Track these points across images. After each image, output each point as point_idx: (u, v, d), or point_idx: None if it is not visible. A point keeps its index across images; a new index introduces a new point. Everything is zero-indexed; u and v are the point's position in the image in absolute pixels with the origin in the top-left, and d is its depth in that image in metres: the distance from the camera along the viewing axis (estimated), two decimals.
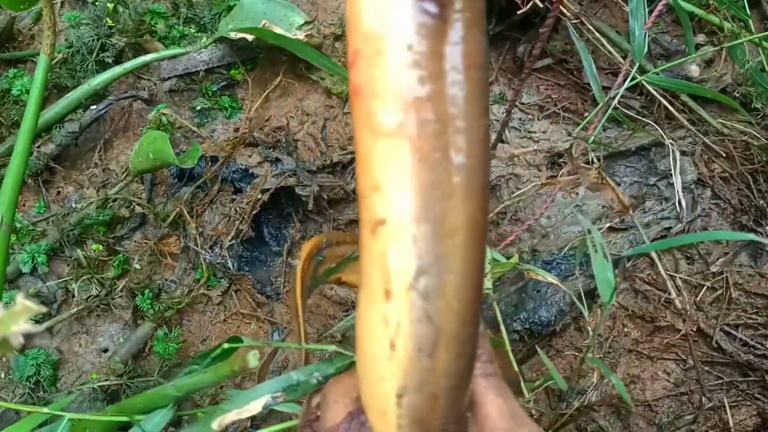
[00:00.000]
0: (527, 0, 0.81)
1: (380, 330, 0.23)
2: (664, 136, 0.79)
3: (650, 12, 0.70)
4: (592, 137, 0.70)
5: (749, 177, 0.87)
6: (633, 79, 0.71)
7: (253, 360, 0.35)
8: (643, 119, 0.89)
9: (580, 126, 0.84)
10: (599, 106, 0.65)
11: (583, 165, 0.49)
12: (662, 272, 0.69)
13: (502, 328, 0.53)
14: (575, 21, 0.87)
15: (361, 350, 0.25)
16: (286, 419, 0.83)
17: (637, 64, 0.68)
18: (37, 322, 0.86)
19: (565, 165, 0.84)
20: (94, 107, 0.93)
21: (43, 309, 0.25)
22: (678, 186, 0.77)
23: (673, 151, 0.76)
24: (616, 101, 0.68)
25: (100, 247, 0.87)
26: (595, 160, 0.47)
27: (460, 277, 0.23)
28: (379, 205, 0.22)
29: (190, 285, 0.88)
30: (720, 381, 0.81)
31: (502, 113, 0.91)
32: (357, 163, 0.24)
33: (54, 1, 1.01)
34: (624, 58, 0.87)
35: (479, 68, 0.23)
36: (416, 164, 0.22)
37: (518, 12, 0.82)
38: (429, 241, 0.22)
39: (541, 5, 0.81)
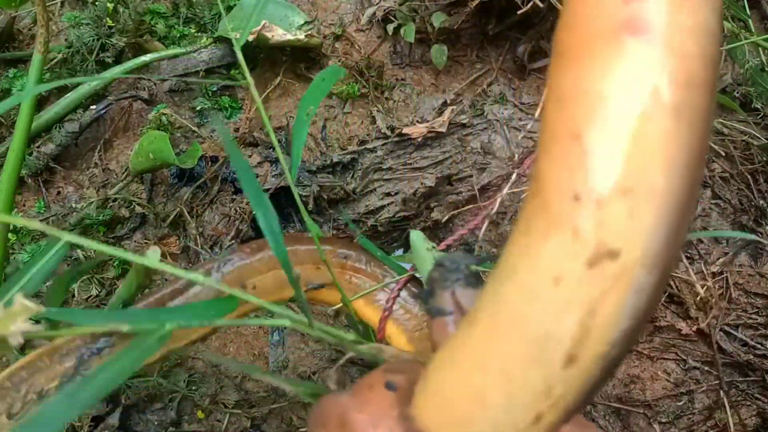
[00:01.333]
0: (527, 0, 0.81)
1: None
2: None
3: None
4: None
5: (749, 177, 0.87)
6: None
7: (154, 257, 0.31)
8: None
9: None
10: None
11: None
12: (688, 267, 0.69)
13: None
14: None
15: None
16: (287, 421, 0.83)
17: None
18: (36, 322, 0.86)
19: None
20: (94, 107, 0.93)
21: (43, 309, 0.25)
22: None
23: None
24: None
25: None
26: None
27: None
28: (619, 225, 0.17)
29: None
30: (720, 381, 0.81)
31: (502, 113, 0.91)
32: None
33: (54, 1, 1.01)
34: None
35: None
36: (686, 168, 0.17)
37: (518, 12, 0.82)
38: (650, 294, 0.17)
39: (541, 5, 0.81)
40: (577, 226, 0.16)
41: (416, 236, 0.39)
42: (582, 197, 0.16)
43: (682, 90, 0.16)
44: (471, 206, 0.88)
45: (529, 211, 0.18)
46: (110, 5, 0.94)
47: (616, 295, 0.16)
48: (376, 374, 0.23)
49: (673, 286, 0.84)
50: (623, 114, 0.16)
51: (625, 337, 0.17)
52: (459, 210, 0.88)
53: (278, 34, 0.89)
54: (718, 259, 0.86)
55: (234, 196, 0.90)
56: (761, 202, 0.86)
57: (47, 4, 0.99)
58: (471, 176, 0.87)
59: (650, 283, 0.17)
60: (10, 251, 0.88)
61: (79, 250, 0.86)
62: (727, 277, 0.84)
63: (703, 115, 0.16)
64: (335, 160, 0.88)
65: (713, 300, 0.81)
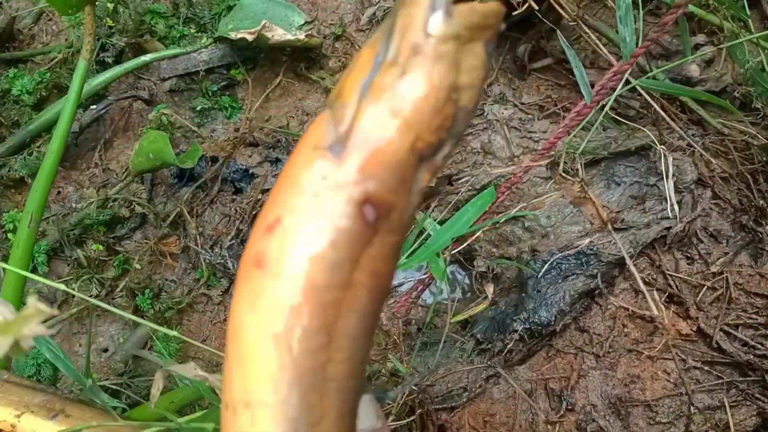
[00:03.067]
0: (525, 0, 0.81)
1: None
2: (655, 141, 0.79)
3: (648, 13, 0.70)
4: (583, 144, 0.70)
5: (749, 177, 0.87)
6: (628, 83, 0.71)
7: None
8: (640, 122, 0.89)
9: (573, 132, 0.84)
10: (592, 112, 0.65)
11: (567, 177, 0.49)
12: (640, 285, 0.70)
13: None
14: (572, 23, 0.87)
15: None
16: None
17: (629, 69, 0.68)
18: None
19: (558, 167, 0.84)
20: (94, 107, 0.93)
21: (56, 312, 0.25)
22: (670, 191, 0.77)
23: (664, 156, 0.76)
24: (608, 107, 0.67)
25: (100, 247, 0.87)
26: (580, 172, 0.47)
27: None
28: (247, 428, 0.21)
29: (190, 285, 0.88)
30: (720, 381, 0.81)
31: (502, 113, 0.91)
32: (229, 356, 0.21)
33: None
34: (618, 59, 0.86)
35: (383, 288, 0.22)
36: (293, 382, 0.20)
37: (516, 12, 0.82)
38: None
39: (537, 7, 0.81)
40: (227, 430, 0.21)
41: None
42: (228, 406, 0.21)
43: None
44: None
45: None
46: (110, 5, 0.94)
47: None
48: None
49: (673, 286, 0.84)
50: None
51: None
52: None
53: (278, 34, 0.89)
54: (718, 259, 0.86)
55: (234, 196, 0.90)
56: (761, 202, 0.86)
57: (48, 4, 0.99)
58: (471, 176, 0.87)
59: None
60: (10, 251, 0.88)
61: (79, 251, 0.87)
62: (727, 277, 0.84)
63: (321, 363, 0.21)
64: None
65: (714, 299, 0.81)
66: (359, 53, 0.21)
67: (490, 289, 0.59)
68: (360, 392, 0.23)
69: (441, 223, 0.87)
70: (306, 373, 0.20)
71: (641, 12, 0.71)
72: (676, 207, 0.82)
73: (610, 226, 0.48)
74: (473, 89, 0.21)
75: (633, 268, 0.58)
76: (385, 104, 0.20)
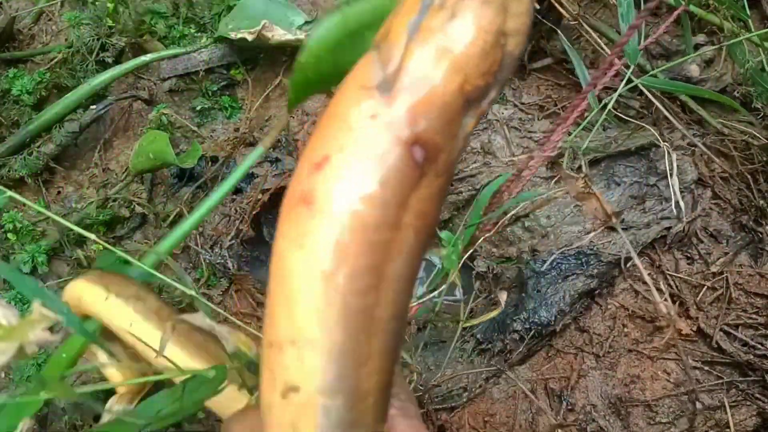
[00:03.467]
0: None
1: None
2: (659, 139, 0.79)
3: (649, 13, 0.70)
4: (586, 142, 0.70)
5: (749, 177, 0.87)
6: (630, 81, 0.71)
7: None
8: (641, 122, 0.89)
9: (576, 131, 0.84)
10: (594, 111, 0.65)
11: (571, 174, 0.49)
12: (647, 279, 0.69)
13: None
14: (573, 23, 0.87)
15: None
16: None
17: (632, 67, 0.68)
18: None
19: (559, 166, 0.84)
20: (94, 107, 0.93)
21: (61, 318, 0.25)
22: (675, 187, 0.77)
23: (668, 153, 0.76)
24: (610, 105, 0.68)
25: (101, 247, 0.87)
26: (583, 168, 0.47)
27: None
28: (294, 368, 0.21)
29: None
30: (720, 381, 0.81)
31: (502, 113, 0.91)
32: (273, 294, 0.21)
33: (54, 1, 1.01)
34: (620, 58, 0.87)
35: (429, 229, 0.22)
36: (341, 320, 0.20)
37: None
38: (342, 412, 0.21)
39: (538, 6, 0.81)
40: (272, 368, 0.22)
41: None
42: (273, 345, 0.22)
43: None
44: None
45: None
46: (110, 5, 0.94)
47: (306, 420, 0.21)
48: None
49: (673, 286, 0.84)
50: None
51: None
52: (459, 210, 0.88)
53: (278, 34, 0.89)
54: (718, 259, 0.86)
55: (234, 196, 0.90)
56: (761, 202, 0.86)
57: (48, 4, 0.99)
58: (471, 176, 0.87)
59: (336, 405, 0.21)
60: (11, 251, 0.88)
61: (79, 251, 0.86)
62: (727, 277, 0.84)
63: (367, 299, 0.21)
64: None
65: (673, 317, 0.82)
66: None
67: (503, 296, 0.59)
68: (403, 336, 0.23)
69: (441, 222, 0.87)
70: (354, 313, 0.20)
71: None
72: (681, 204, 0.82)
73: (614, 220, 0.48)
74: (519, 35, 0.21)
75: (638, 263, 0.58)
76: (434, 46, 0.20)
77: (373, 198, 0.20)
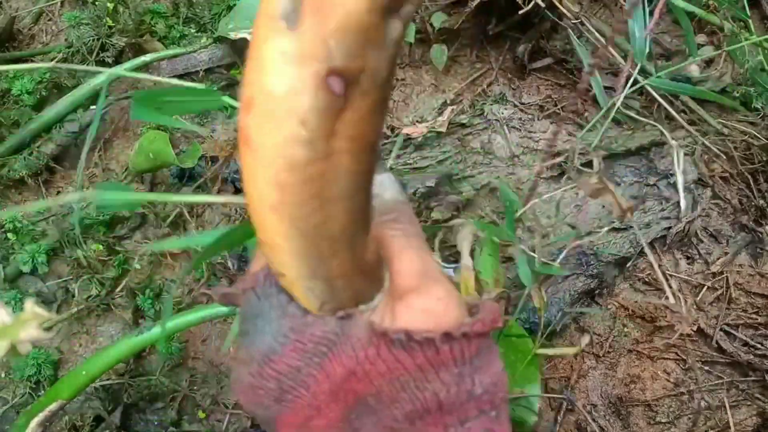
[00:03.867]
0: (527, 0, 0.81)
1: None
2: (668, 136, 0.79)
3: (650, 12, 0.70)
4: (597, 139, 0.70)
5: (749, 177, 0.87)
6: (635, 82, 0.71)
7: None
8: (644, 119, 0.89)
9: (586, 128, 0.84)
10: (603, 110, 0.65)
11: (584, 169, 0.49)
12: (659, 274, 0.69)
13: None
14: (575, 21, 0.87)
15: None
16: None
17: (639, 66, 0.68)
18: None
19: (565, 164, 0.84)
20: (94, 107, 0.93)
21: (54, 316, 0.25)
22: (680, 185, 0.77)
23: (676, 152, 0.76)
24: (618, 104, 0.68)
25: (100, 247, 0.87)
26: (596, 164, 0.47)
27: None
28: (276, 262, 0.24)
29: (190, 285, 0.88)
30: (720, 381, 0.81)
31: (502, 113, 0.91)
32: (249, 210, 0.23)
33: (54, 1, 1.01)
34: (624, 58, 0.87)
35: (368, 147, 0.22)
36: (297, 236, 0.22)
37: (519, 12, 0.82)
38: (323, 288, 0.25)
39: (543, 4, 0.81)
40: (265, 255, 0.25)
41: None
42: (261, 243, 0.24)
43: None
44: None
45: None
46: (110, 5, 0.94)
47: (297, 293, 0.26)
48: None
49: (674, 286, 0.84)
50: None
51: None
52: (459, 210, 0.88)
53: None
54: (718, 259, 0.86)
55: (234, 196, 0.90)
56: (761, 202, 0.86)
57: (48, 4, 0.99)
58: (471, 176, 0.87)
59: (317, 285, 0.25)
60: (11, 251, 0.88)
61: (79, 251, 0.86)
62: (727, 277, 0.84)
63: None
64: None
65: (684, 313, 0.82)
66: None
67: (585, 340, 0.59)
68: (367, 217, 0.24)
69: (443, 221, 0.87)
70: (306, 230, 0.22)
71: (646, 10, 0.71)
72: (685, 202, 0.82)
73: (630, 215, 0.48)
74: None
75: (652, 257, 0.58)
76: None
77: (297, 138, 0.20)
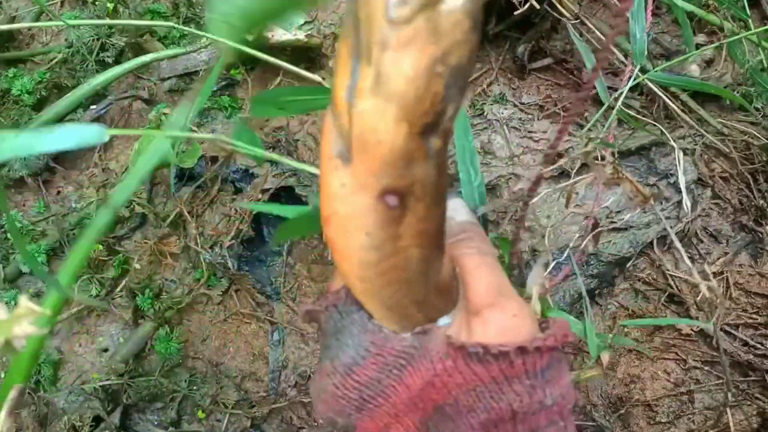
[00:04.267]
0: (526, 0, 0.81)
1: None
2: (668, 136, 0.79)
3: (652, 13, 0.70)
4: (601, 136, 0.69)
5: (749, 177, 0.87)
6: (635, 78, 0.71)
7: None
8: (640, 124, 0.89)
9: (587, 127, 0.84)
10: (604, 107, 0.65)
11: (599, 162, 0.49)
12: (686, 261, 0.69)
13: None
14: (575, 21, 0.87)
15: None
16: (287, 420, 0.83)
17: (638, 66, 0.68)
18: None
19: (565, 165, 0.84)
20: (94, 107, 0.93)
21: (47, 311, 0.25)
22: (682, 185, 0.77)
23: (677, 151, 0.76)
24: (620, 102, 0.67)
25: (100, 247, 0.87)
26: (608, 156, 0.47)
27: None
28: (361, 299, 0.29)
29: (190, 285, 0.88)
30: (720, 381, 0.81)
31: (502, 113, 0.91)
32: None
33: (54, 1, 1.01)
34: (626, 57, 0.87)
35: (433, 238, 0.25)
36: (380, 305, 0.28)
37: (517, 12, 0.82)
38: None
39: (538, 6, 0.81)
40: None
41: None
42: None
43: None
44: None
45: None
46: (110, 5, 0.94)
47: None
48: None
49: (673, 286, 0.84)
50: None
51: None
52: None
53: (278, 34, 0.89)
54: (718, 259, 0.86)
55: (234, 196, 0.90)
56: (761, 202, 0.86)
57: (48, 4, 0.99)
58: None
59: None
60: (10, 251, 0.88)
61: None
62: (727, 277, 0.84)
63: None
64: None
65: (717, 300, 0.81)
66: (338, 50, 0.22)
67: (606, 357, 0.60)
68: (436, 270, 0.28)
69: None
70: (389, 303, 0.27)
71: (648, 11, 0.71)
72: (688, 202, 0.82)
73: (652, 201, 0.48)
74: (461, 46, 0.20)
75: (678, 243, 0.58)
76: (370, 104, 0.21)
77: (366, 245, 0.24)
